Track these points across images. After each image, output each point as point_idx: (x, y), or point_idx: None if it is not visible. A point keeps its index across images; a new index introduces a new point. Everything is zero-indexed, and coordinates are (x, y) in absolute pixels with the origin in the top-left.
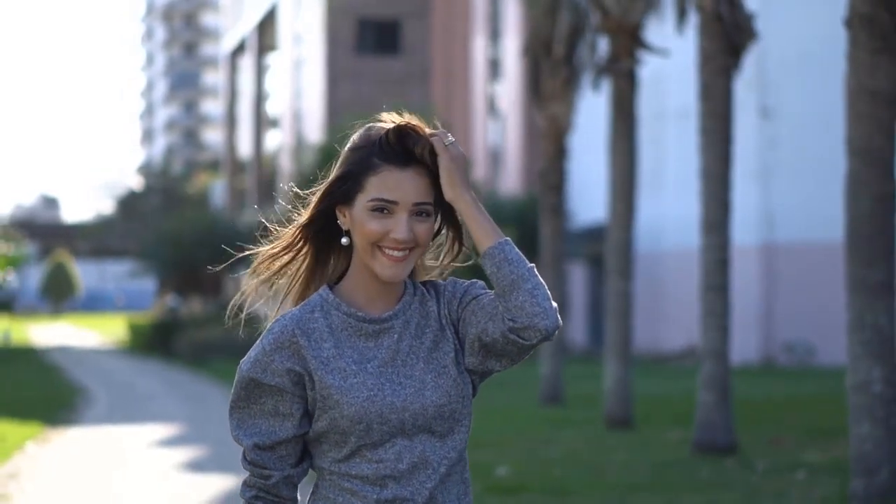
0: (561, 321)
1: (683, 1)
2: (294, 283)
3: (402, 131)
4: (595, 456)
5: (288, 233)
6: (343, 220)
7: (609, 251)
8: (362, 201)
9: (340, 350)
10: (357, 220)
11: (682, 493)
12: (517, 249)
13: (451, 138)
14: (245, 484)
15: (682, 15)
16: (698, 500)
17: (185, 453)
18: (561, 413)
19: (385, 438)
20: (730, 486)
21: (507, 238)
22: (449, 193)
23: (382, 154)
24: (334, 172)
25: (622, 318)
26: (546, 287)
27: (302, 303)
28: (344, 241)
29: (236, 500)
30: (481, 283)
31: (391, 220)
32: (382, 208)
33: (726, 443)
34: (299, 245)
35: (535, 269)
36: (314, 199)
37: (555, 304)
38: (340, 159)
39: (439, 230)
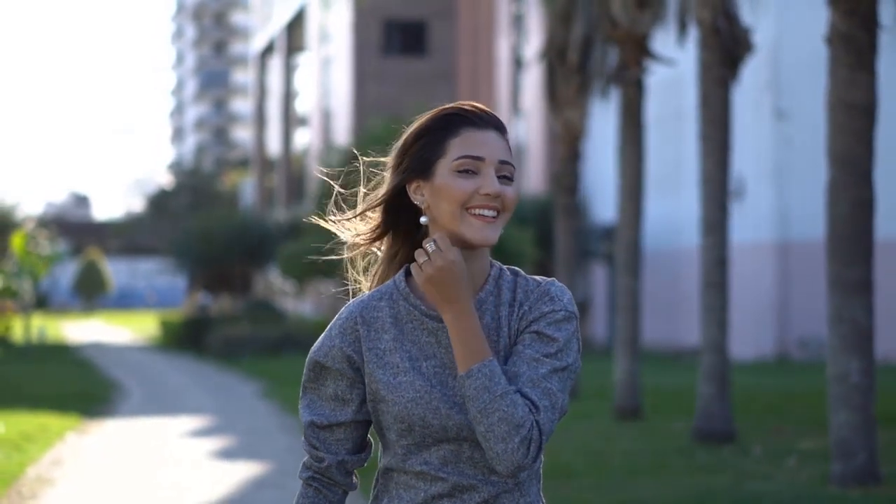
0: (525, 459)
1: (684, 15)
2: (377, 264)
3: (473, 105)
4: (601, 444)
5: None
6: (419, 197)
7: (619, 250)
8: (445, 165)
9: (400, 343)
10: (441, 186)
11: (678, 477)
12: (483, 377)
13: (431, 248)
14: (303, 464)
15: (682, 28)
16: (692, 483)
17: (216, 443)
18: (574, 405)
19: (428, 442)
20: (723, 471)
21: (476, 365)
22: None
23: (461, 119)
24: (408, 141)
25: (631, 314)
26: (510, 418)
27: (376, 287)
28: (423, 219)
29: (265, 484)
30: (550, 309)
31: (479, 177)
32: (469, 168)
33: (725, 431)
34: (377, 223)
35: (504, 398)
36: (388, 173)
37: (523, 436)
38: (408, 142)
39: None
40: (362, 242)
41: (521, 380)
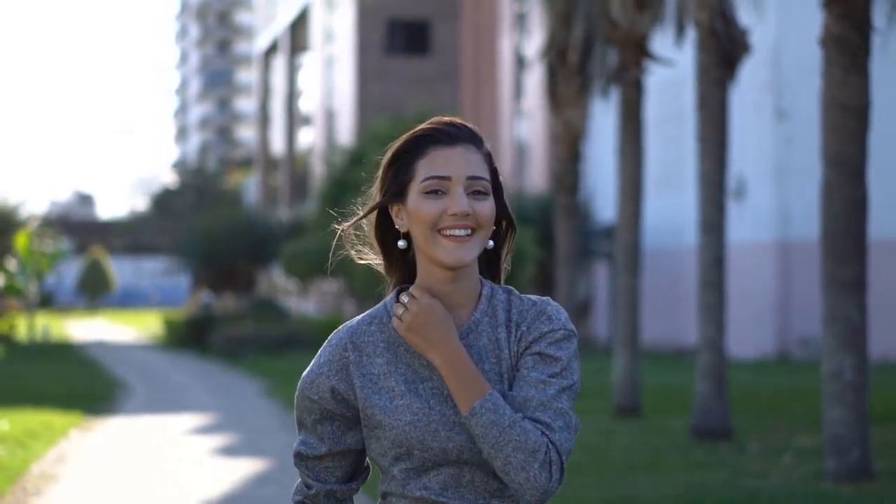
0: (549, 483)
1: (682, 17)
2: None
3: (445, 121)
4: (601, 441)
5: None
6: (400, 221)
7: (618, 249)
8: (415, 189)
9: (394, 367)
10: (412, 209)
11: (674, 473)
12: (487, 411)
13: (406, 299)
14: (296, 488)
15: (680, 29)
16: (688, 479)
17: (218, 440)
18: (576, 403)
19: (427, 467)
20: (719, 467)
21: (478, 402)
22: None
23: (429, 139)
24: (384, 167)
25: (630, 313)
26: (524, 446)
27: (368, 310)
28: (401, 243)
29: (266, 481)
30: (549, 329)
31: (446, 198)
32: (436, 189)
33: (722, 429)
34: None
35: (513, 427)
36: (375, 194)
37: (542, 460)
38: (384, 167)
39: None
40: (380, 270)
41: (532, 404)
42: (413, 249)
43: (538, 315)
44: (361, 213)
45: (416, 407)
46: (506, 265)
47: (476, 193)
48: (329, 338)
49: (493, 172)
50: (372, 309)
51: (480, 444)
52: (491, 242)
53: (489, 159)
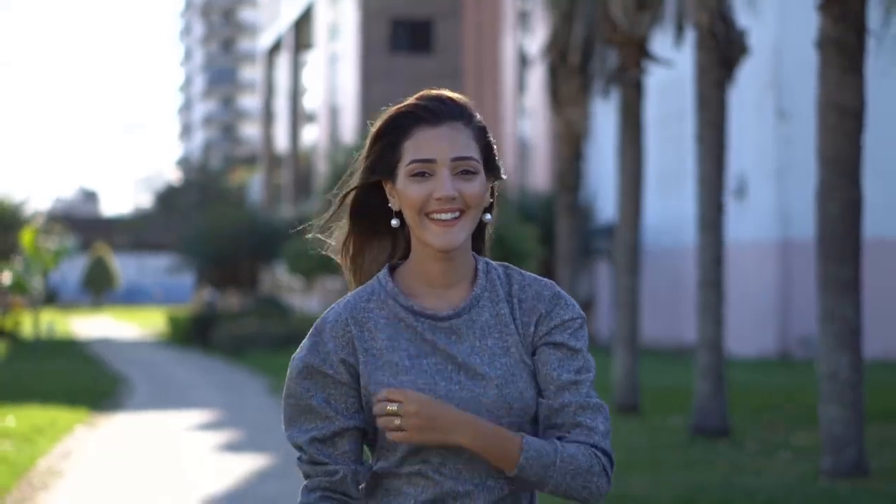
0: (609, 484)
1: (681, 18)
2: (345, 264)
3: (432, 95)
4: None
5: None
6: (393, 200)
7: (617, 249)
8: (402, 171)
9: (396, 342)
10: (400, 192)
11: (672, 471)
12: (533, 461)
13: (393, 407)
14: (306, 488)
15: (679, 31)
16: (685, 477)
17: (222, 436)
18: None
19: (431, 445)
20: (716, 465)
21: (521, 458)
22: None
23: (413, 118)
24: (368, 145)
25: (630, 312)
26: (578, 470)
27: (358, 289)
28: (394, 222)
29: (269, 477)
30: (570, 317)
31: (432, 180)
32: (422, 171)
33: (721, 427)
34: (344, 216)
35: (563, 461)
36: (357, 173)
37: (598, 472)
38: (368, 145)
39: None
40: (342, 251)
41: (571, 409)
42: (406, 227)
43: (555, 299)
44: (346, 189)
45: (421, 382)
46: (490, 233)
47: (464, 174)
48: (324, 316)
49: (487, 147)
50: (364, 286)
51: (541, 488)
52: (488, 216)
53: (480, 133)
